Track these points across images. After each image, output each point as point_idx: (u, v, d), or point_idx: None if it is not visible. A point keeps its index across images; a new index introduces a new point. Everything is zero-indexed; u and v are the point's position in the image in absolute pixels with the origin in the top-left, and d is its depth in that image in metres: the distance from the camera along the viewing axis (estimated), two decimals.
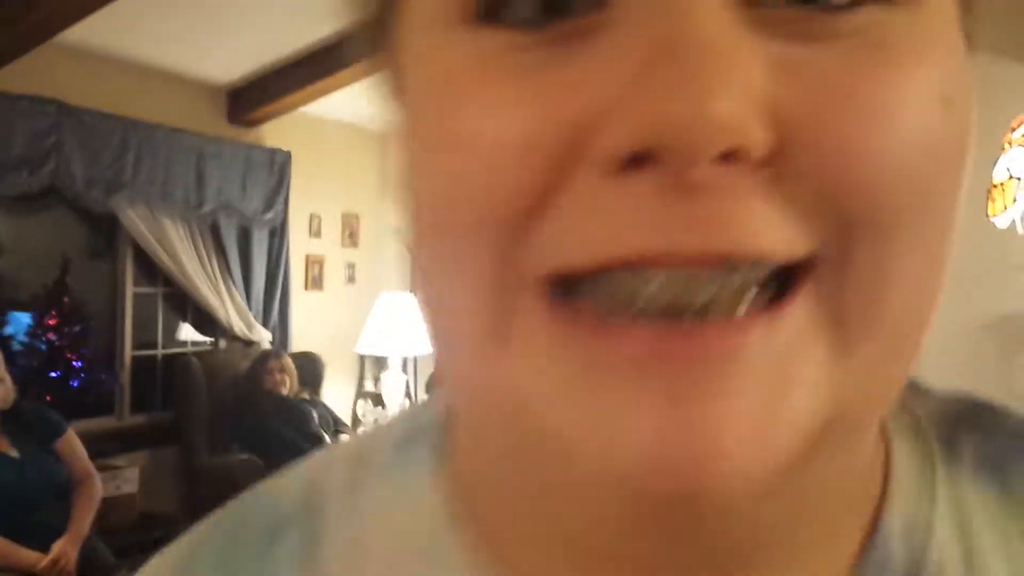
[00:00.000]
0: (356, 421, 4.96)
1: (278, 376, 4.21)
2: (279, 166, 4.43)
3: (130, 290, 4.06)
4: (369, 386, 5.38)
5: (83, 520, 2.65)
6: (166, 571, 0.35)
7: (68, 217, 4.01)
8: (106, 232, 4.04)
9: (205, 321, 4.34)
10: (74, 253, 3.97)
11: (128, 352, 4.06)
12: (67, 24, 3.08)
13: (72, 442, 2.78)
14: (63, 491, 2.66)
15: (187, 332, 4.42)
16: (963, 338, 2.87)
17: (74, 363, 3.70)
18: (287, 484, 0.35)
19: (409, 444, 0.34)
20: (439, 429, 0.34)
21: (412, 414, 0.36)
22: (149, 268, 4.07)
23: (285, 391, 4.24)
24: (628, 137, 0.21)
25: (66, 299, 3.71)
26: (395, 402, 5.31)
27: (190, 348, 4.34)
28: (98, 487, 2.78)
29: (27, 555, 2.44)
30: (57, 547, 2.50)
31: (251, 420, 4.05)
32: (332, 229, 5.02)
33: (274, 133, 4.54)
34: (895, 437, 0.32)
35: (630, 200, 0.22)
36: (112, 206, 3.71)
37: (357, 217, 5.14)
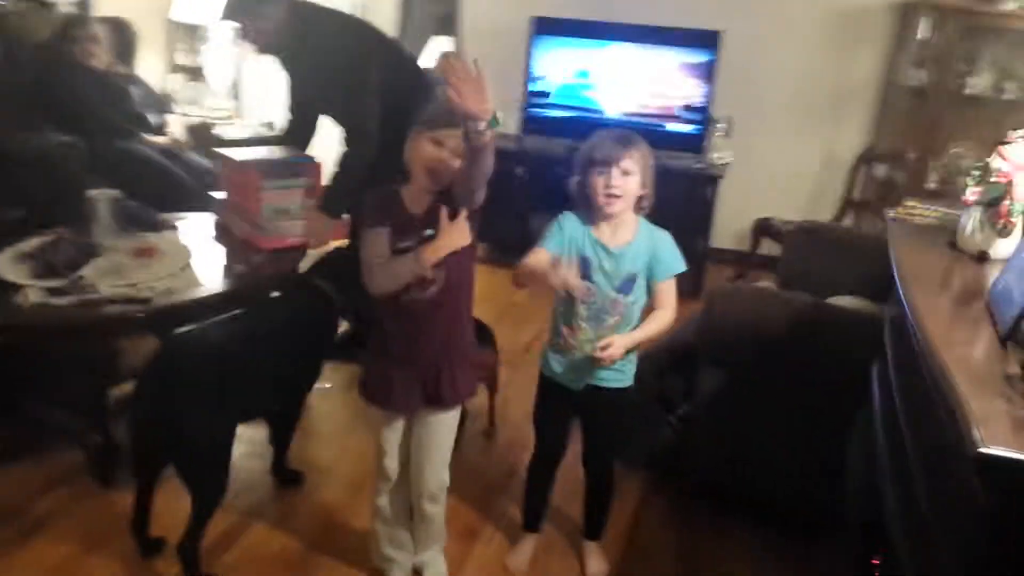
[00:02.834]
0: (168, 98, 4.45)
1: (88, 46, 3.62)
2: None
3: None
4: (182, 59, 4.77)
5: None
6: None
7: None
8: None
9: None
10: None
11: None
12: None
13: None
14: None
15: None
16: None
17: None
18: None
19: None
20: None
21: None
22: None
23: (98, 64, 3.68)
24: None
25: None
26: (219, 78, 4.78)
27: None
28: None
29: None
30: None
31: (65, 98, 3.51)
32: None
33: None
34: None
35: None
36: None
37: None
